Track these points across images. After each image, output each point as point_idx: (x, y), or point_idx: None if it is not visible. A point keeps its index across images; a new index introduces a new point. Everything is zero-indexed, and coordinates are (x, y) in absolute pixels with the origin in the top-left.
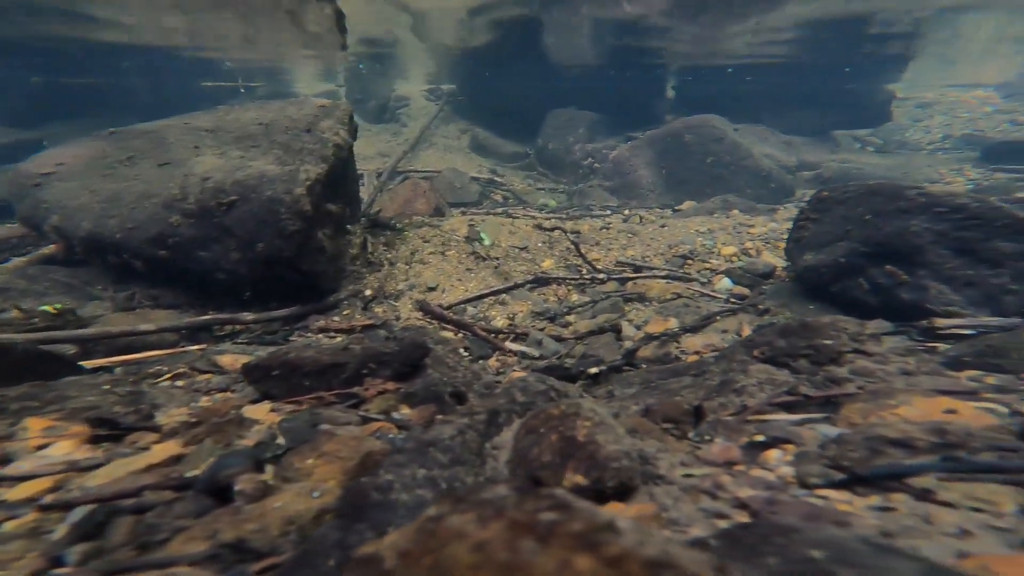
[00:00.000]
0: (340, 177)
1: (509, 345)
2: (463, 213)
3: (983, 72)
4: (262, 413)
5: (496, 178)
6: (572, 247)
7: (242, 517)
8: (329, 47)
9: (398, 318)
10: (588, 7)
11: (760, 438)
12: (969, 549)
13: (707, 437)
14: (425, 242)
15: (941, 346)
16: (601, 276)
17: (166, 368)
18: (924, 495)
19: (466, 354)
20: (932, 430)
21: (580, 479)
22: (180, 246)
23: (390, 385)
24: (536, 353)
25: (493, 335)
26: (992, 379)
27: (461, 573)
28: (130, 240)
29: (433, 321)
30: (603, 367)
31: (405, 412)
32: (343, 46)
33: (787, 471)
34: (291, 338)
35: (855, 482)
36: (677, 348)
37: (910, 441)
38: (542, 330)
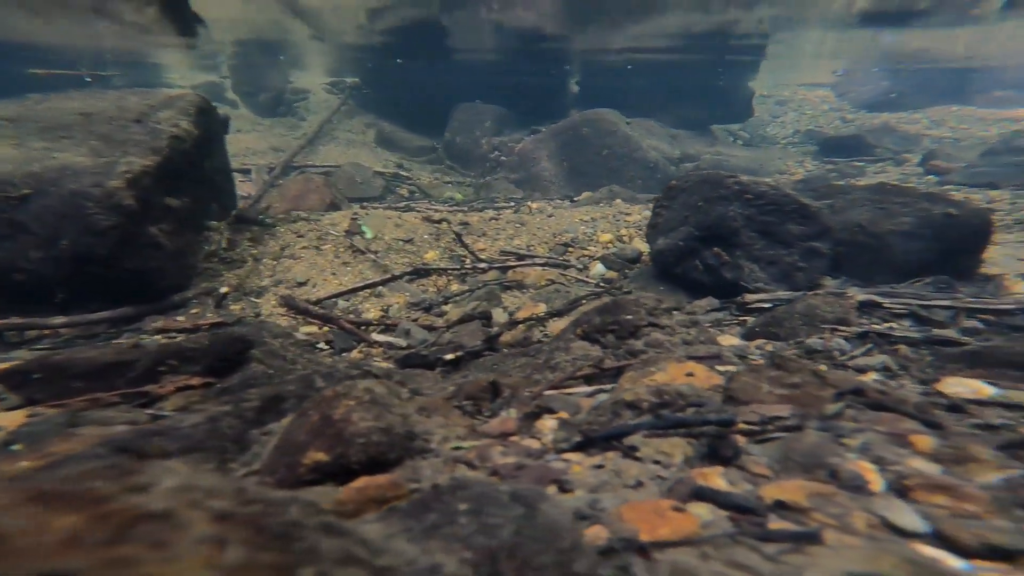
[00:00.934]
0: (185, 170)
1: (375, 337)
2: (363, 208)
3: (819, 74)
4: (12, 420)
5: (402, 172)
6: (456, 238)
7: None
8: (170, 36)
9: (258, 315)
10: (486, 11)
11: (538, 410)
12: (628, 498)
13: (498, 412)
14: (299, 237)
15: (749, 319)
16: (482, 265)
17: None
18: (629, 451)
19: (326, 348)
20: (654, 392)
21: (321, 456)
22: None
23: (195, 381)
24: (404, 343)
25: (361, 327)
26: (770, 345)
27: None
28: None
29: (298, 316)
30: (460, 353)
31: (208, 407)
32: (189, 35)
33: (550, 438)
34: (116, 341)
35: (588, 444)
36: (543, 332)
37: (639, 403)
38: (415, 320)
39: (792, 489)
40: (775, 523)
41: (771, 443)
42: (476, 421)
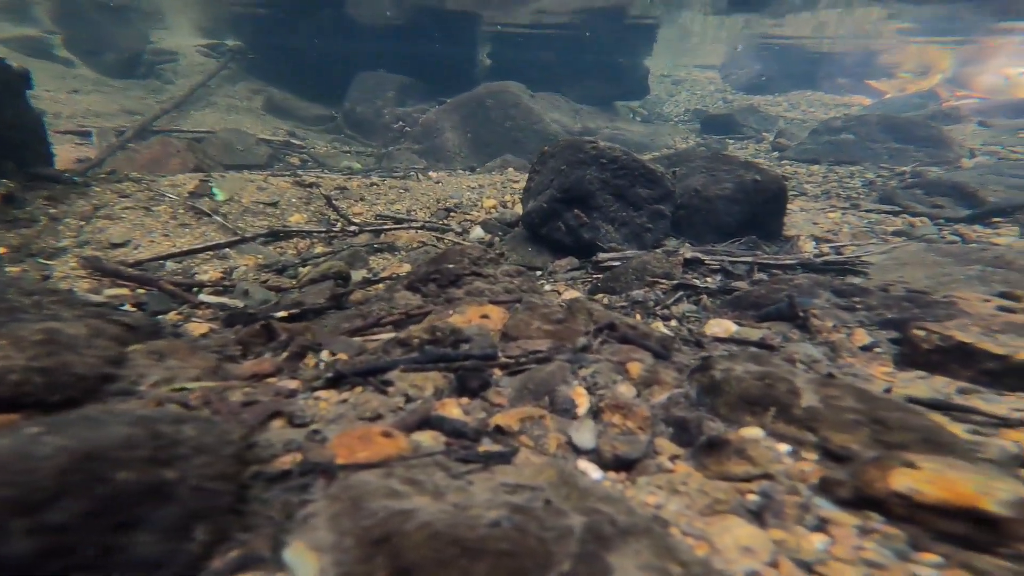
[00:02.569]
0: None
1: (203, 297)
2: (236, 174)
3: (708, 56)
4: None
5: (294, 141)
6: (327, 202)
7: None
8: None
9: (48, 277)
10: None
11: (301, 350)
12: (351, 429)
13: (264, 355)
14: (122, 197)
15: (600, 276)
16: (353, 228)
17: None
18: (381, 387)
19: (133, 310)
20: (427, 330)
21: None
22: None
23: None
24: (241, 304)
25: (191, 290)
26: (606, 299)
27: None
28: None
29: (105, 278)
30: (295, 311)
31: None
32: None
33: (309, 376)
34: None
35: (339, 380)
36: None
37: (409, 340)
38: (265, 282)
39: (513, 415)
40: (486, 447)
41: (520, 375)
42: (232, 365)
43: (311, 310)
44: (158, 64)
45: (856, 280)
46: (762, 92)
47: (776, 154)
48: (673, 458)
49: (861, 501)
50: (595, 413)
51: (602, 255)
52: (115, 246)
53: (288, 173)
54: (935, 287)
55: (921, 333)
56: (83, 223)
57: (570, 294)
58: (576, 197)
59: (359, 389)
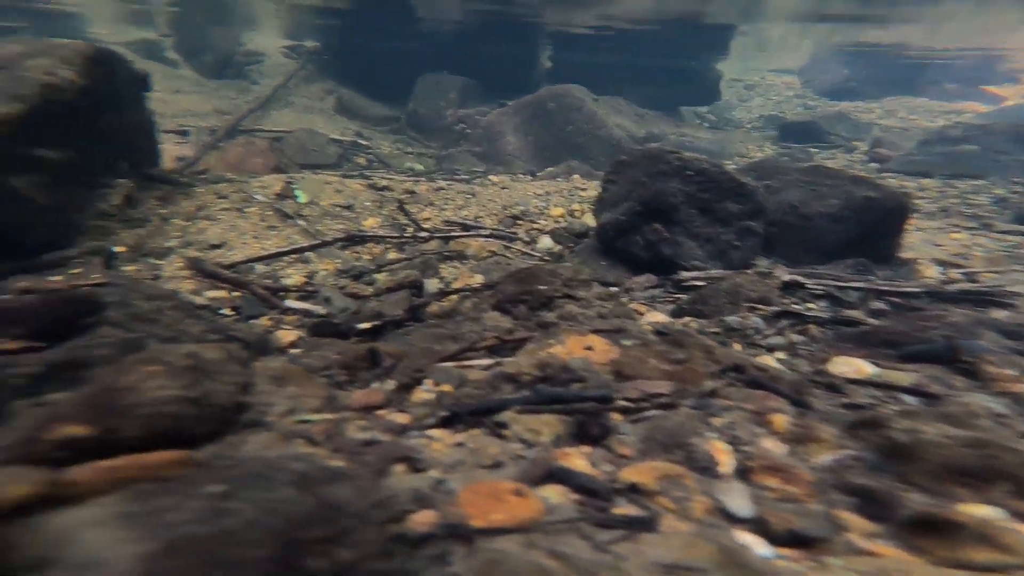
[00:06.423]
0: (67, 122)
1: (290, 303)
2: (315, 175)
3: (787, 60)
4: None
5: (361, 141)
6: (399, 206)
7: None
8: None
9: (157, 277)
10: None
11: (415, 381)
12: (478, 479)
13: (370, 383)
14: (220, 198)
15: (683, 297)
16: (423, 234)
17: None
18: (497, 429)
19: (231, 314)
20: (537, 364)
21: (77, 430)
22: None
23: (12, 344)
24: (322, 310)
25: (277, 294)
26: (695, 323)
27: None
28: None
29: (206, 279)
30: (378, 322)
31: None
32: None
33: (420, 412)
34: None
35: (454, 420)
36: (476, 304)
37: (519, 376)
38: (343, 288)
39: (646, 471)
40: (622, 507)
41: (643, 422)
42: (342, 392)
43: (391, 322)
44: (247, 65)
45: (1003, 314)
46: (850, 98)
47: (875, 165)
48: (868, 536)
49: None
50: (742, 473)
51: (685, 273)
52: (213, 247)
53: (356, 174)
54: None
55: None
56: (187, 224)
57: (654, 316)
58: (657, 210)
59: (475, 431)
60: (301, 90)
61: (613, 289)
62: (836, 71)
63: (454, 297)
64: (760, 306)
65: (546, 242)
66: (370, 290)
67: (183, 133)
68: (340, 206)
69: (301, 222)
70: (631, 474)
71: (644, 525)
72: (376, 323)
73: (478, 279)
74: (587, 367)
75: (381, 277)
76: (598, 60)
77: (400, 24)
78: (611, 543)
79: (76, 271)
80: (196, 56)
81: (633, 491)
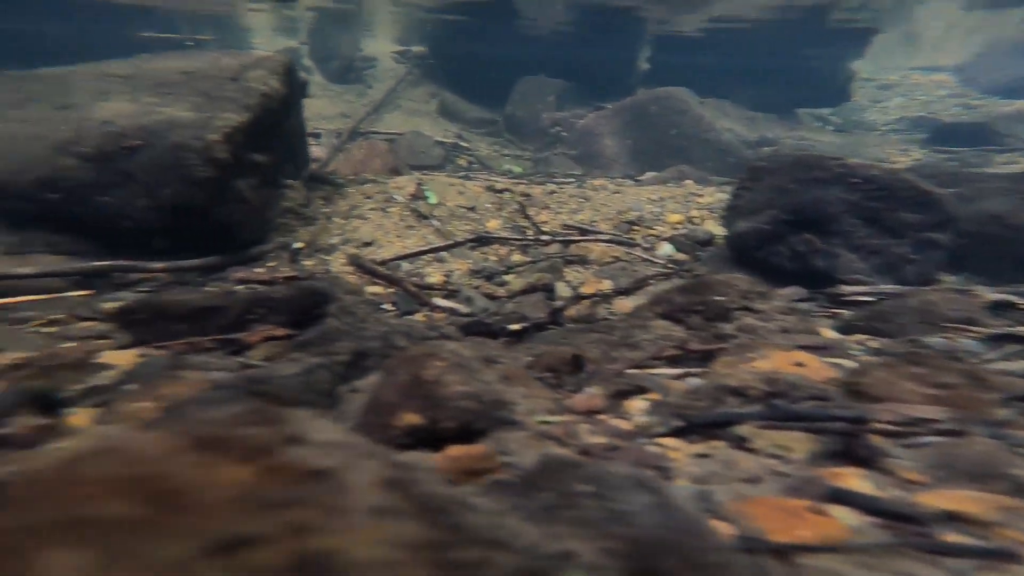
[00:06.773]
0: (271, 128)
1: (438, 301)
2: (425, 174)
3: (941, 56)
4: (125, 358)
5: (462, 143)
6: (519, 209)
7: None
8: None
9: (328, 271)
10: None
11: (627, 388)
12: (745, 493)
13: (582, 387)
14: (367, 198)
15: (844, 312)
16: (545, 237)
17: (39, 314)
18: (739, 442)
19: (391, 309)
20: (764, 379)
21: (415, 419)
22: (74, 190)
23: (279, 332)
24: (465, 310)
25: (424, 291)
26: (875, 342)
27: (93, 487)
28: (15, 182)
29: (364, 275)
30: (526, 324)
31: (302, 358)
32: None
33: (642, 420)
34: (207, 288)
35: (688, 430)
36: (607, 309)
37: (745, 390)
38: (477, 288)
39: (963, 499)
40: (946, 535)
41: (921, 447)
42: (559, 395)
43: (536, 324)
44: (363, 70)
45: None
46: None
47: None
48: None
49: None
50: None
51: (846, 288)
52: (365, 244)
53: (462, 175)
54: None
55: None
56: (344, 222)
57: (823, 332)
58: (810, 219)
59: (715, 442)
60: (409, 93)
61: (800, 304)
62: (1007, 68)
63: (586, 302)
64: (969, 327)
65: (666, 248)
66: (503, 291)
67: (315, 136)
68: (464, 207)
69: (435, 222)
70: (940, 501)
71: (1001, 555)
72: (525, 325)
73: (606, 284)
74: (813, 384)
75: (510, 278)
76: (699, 61)
77: (502, 28)
78: (972, 571)
79: (271, 263)
80: (326, 62)
81: (953, 519)
